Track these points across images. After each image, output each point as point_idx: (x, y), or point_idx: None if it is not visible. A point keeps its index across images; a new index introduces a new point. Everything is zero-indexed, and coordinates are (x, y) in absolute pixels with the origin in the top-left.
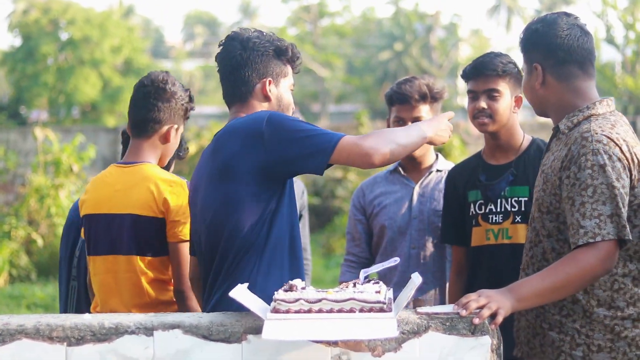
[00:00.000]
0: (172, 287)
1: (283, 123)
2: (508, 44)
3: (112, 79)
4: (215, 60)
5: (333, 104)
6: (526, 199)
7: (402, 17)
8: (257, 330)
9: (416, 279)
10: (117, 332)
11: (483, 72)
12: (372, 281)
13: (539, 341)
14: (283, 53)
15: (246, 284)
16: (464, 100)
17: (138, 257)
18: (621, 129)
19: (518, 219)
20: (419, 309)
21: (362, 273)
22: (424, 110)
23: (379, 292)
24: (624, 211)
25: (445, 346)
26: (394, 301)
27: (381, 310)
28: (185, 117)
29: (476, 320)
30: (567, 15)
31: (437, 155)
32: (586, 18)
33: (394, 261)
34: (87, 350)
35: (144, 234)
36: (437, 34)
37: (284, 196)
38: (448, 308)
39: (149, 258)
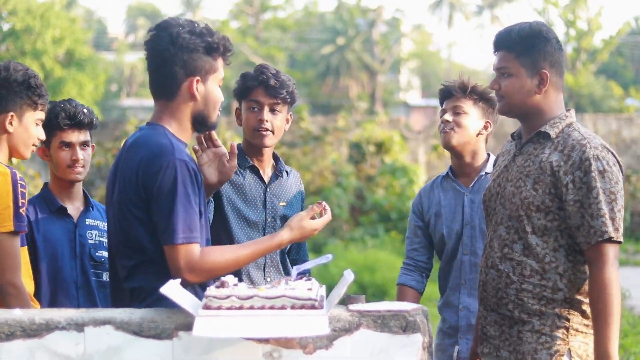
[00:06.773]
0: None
1: (174, 187)
2: (449, 39)
3: (53, 70)
4: (144, 48)
5: None
6: None
7: (345, 11)
8: (188, 326)
9: (348, 275)
10: (47, 327)
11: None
12: (305, 278)
13: (517, 329)
14: (214, 49)
15: (178, 280)
16: (405, 96)
17: None
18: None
19: None
20: (351, 306)
21: (295, 270)
22: (465, 103)
23: (310, 289)
24: (620, 215)
25: (377, 344)
26: (325, 298)
27: (312, 307)
28: (32, 105)
29: None
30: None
31: (488, 155)
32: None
33: (326, 258)
34: (16, 346)
35: None
36: (379, 28)
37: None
38: (380, 305)
39: None
